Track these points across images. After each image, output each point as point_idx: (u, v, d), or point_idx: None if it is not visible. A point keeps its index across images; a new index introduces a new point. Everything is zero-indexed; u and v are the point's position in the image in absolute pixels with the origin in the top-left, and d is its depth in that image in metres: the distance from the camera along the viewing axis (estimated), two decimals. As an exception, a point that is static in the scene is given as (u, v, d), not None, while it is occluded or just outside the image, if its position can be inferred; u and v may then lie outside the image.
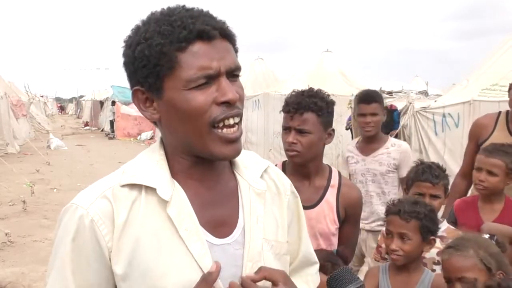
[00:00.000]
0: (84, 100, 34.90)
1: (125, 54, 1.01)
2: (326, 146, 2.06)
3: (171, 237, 0.98)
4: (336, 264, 1.86)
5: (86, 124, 28.04)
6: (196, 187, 1.04)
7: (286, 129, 1.96)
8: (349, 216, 2.05)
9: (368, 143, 3.26)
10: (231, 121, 0.98)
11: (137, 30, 1.00)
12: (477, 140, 2.91)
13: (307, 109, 1.91)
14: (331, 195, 2.02)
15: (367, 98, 3.20)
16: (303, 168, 2.01)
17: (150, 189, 1.00)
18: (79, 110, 39.77)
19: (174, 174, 1.03)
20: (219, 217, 1.05)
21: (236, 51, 1.03)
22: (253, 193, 1.10)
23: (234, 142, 1.00)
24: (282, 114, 2.02)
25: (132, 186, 1.00)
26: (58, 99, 61.84)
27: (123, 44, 1.02)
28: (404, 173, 3.00)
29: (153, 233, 0.98)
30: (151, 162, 1.04)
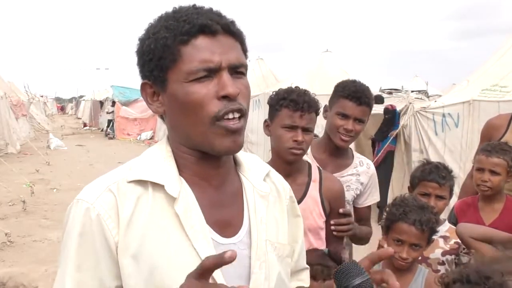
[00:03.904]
0: (83, 100, 34.80)
1: (136, 51, 1.04)
2: None
3: (178, 235, 0.98)
4: (327, 267, 1.83)
5: (85, 125, 27.97)
6: (203, 186, 1.04)
7: (292, 127, 1.93)
8: (334, 209, 2.06)
9: (334, 155, 2.32)
10: (230, 116, 0.98)
11: (148, 27, 1.03)
12: (489, 141, 2.84)
13: (313, 109, 1.96)
14: (314, 190, 2.04)
15: (359, 96, 2.22)
16: (290, 166, 2.00)
17: (157, 186, 1.00)
18: (77, 110, 39.66)
19: (180, 171, 1.04)
20: (225, 217, 1.05)
21: (244, 51, 1.04)
22: (257, 195, 1.11)
23: (235, 133, 0.99)
24: (271, 111, 2.02)
25: (138, 182, 1.00)
26: (58, 99, 61.83)
27: (137, 42, 1.05)
28: (368, 201, 2.39)
29: (161, 230, 0.97)
30: (158, 159, 1.04)
